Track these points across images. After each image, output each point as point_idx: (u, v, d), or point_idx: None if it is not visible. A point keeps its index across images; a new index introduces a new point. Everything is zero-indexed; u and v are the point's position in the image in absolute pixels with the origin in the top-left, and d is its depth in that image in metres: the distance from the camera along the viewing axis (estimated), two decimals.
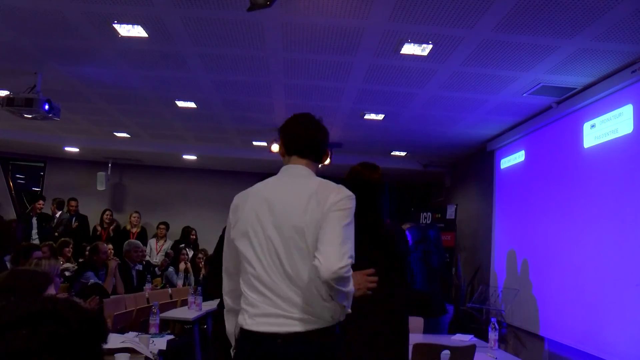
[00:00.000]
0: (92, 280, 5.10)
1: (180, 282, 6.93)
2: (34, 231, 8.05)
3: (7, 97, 5.06)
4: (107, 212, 9.04)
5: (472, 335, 4.17)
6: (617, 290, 4.18)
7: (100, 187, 9.67)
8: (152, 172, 10.24)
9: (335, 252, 1.75)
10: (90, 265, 5.33)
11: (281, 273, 1.86)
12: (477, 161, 7.80)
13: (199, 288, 5.47)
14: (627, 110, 4.27)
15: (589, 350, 4.48)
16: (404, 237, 2.52)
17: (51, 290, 2.18)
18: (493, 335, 3.76)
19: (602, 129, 4.59)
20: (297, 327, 1.83)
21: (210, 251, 6.69)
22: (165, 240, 8.76)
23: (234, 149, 8.61)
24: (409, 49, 4.18)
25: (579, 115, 5.02)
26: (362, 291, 1.98)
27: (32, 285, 2.08)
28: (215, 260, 3.58)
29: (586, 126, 4.87)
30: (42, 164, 10.03)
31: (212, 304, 4.86)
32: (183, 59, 4.71)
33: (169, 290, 6.46)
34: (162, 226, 8.82)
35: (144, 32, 4.13)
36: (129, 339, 3.14)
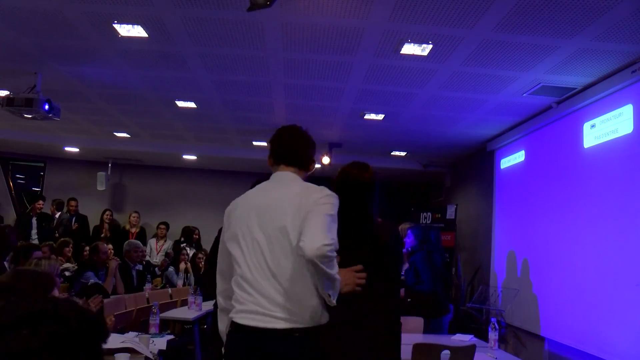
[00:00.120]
0: (92, 280, 5.10)
1: (180, 282, 6.93)
2: (34, 231, 8.05)
3: (7, 97, 5.06)
4: (107, 212, 9.04)
5: (472, 335, 4.17)
6: (617, 290, 4.18)
7: (100, 187, 9.67)
8: (152, 172, 10.24)
9: (319, 233, 1.85)
10: (90, 265, 5.33)
11: (266, 273, 1.98)
12: (477, 161, 7.80)
13: (199, 288, 5.47)
14: (627, 110, 4.27)
15: (589, 350, 4.48)
16: (396, 235, 2.50)
17: (54, 292, 2.19)
18: (493, 335, 3.76)
19: (602, 129, 4.59)
20: (277, 325, 1.94)
21: None
22: (165, 240, 8.76)
23: (234, 149, 8.61)
24: (409, 49, 4.18)
25: (579, 115, 5.01)
26: (350, 287, 2.04)
27: (36, 286, 2.08)
28: (211, 260, 3.60)
29: (586, 126, 4.87)
30: (42, 164, 10.03)
31: (212, 304, 4.86)
32: (183, 59, 4.71)
33: (169, 290, 6.45)
34: (162, 226, 8.82)
35: (144, 32, 4.13)
36: (129, 339, 3.14)
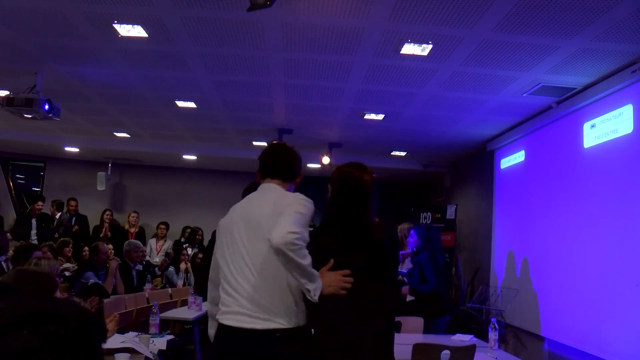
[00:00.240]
0: (92, 280, 5.10)
1: (180, 282, 6.93)
2: (33, 232, 8.05)
3: (7, 97, 5.06)
4: (107, 212, 9.04)
5: (472, 335, 4.17)
6: (617, 290, 4.18)
7: (100, 187, 9.67)
8: (152, 172, 10.24)
9: (287, 224, 1.95)
10: (91, 266, 5.32)
11: (248, 276, 2.14)
12: (477, 161, 7.80)
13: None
14: (627, 110, 4.27)
15: (589, 350, 4.48)
16: (393, 236, 2.50)
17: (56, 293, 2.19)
18: (493, 335, 3.76)
19: (602, 129, 4.59)
20: (258, 325, 2.08)
21: None
22: (165, 240, 8.76)
23: (234, 149, 8.61)
24: (409, 49, 4.18)
25: (579, 115, 5.01)
26: (333, 289, 2.10)
27: (39, 287, 2.08)
28: (205, 261, 3.64)
29: (586, 126, 4.87)
30: (42, 164, 10.03)
31: None
32: (183, 59, 4.71)
33: (169, 290, 6.45)
34: (162, 226, 8.82)
35: (144, 32, 4.13)
36: (129, 339, 3.14)
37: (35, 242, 7.33)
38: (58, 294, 2.22)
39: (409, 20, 3.71)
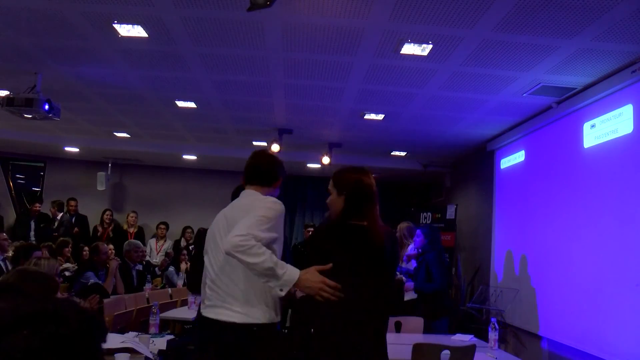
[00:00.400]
0: (92, 280, 5.10)
1: (180, 282, 6.93)
2: (32, 232, 8.05)
3: (7, 97, 5.06)
4: (107, 212, 9.04)
5: (472, 335, 4.17)
6: (617, 290, 4.18)
7: (100, 187, 9.67)
8: (152, 172, 10.24)
9: (238, 228, 2.09)
10: (91, 266, 5.32)
11: (227, 273, 2.28)
12: (477, 161, 7.80)
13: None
14: (627, 110, 4.27)
15: (589, 350, 4.48)
16: (393, 239, 2.50)
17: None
18: (493, 335, 3.76)
19: (602, 129, 4.59)
20: (236, 319, 2.23)
21: None
22: (165, 240, 8.76)
23: (234, 149, 8.60)
24: (409, 49, 4.18)
25: (579, 115, 5.01)
26: (310, 290, 2.12)
27: (41, 287, 2.08)
28: (196, 258, 3.67)
29: (586, 126, 4.87)
30: (42, 164, 10.03)
31: None
32: (183, 59, 4.71)
33: (169, 290, 6.45)
34: (162, 226, 8.82)
35: (144, 32, 4.13)
36: (129, 339, 3.14)
37: (34, 242, 7.33)
38: (58, 294, 2.21)
39: (409, 20, 3.71)
